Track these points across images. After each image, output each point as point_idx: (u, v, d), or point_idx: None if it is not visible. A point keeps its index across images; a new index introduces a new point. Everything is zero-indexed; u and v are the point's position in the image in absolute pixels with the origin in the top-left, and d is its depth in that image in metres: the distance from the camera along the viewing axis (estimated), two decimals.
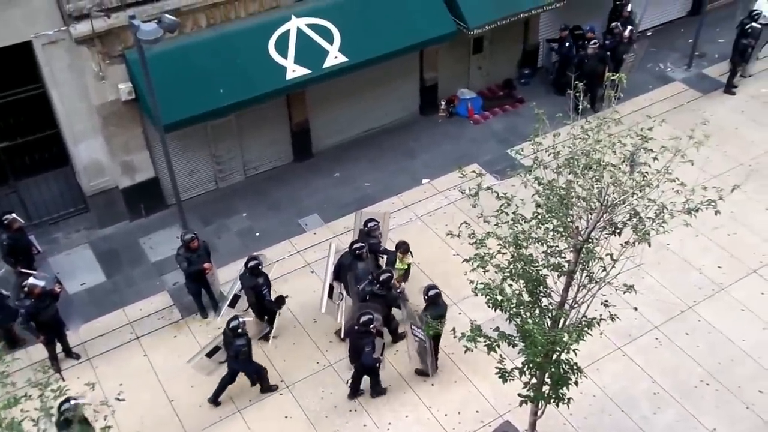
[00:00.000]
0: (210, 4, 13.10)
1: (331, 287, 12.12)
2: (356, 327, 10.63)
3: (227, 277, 13.41)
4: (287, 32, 13.82)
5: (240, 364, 11.03)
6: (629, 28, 17.15)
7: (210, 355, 11.16)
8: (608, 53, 17.05)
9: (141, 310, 13.03)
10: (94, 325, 12.69)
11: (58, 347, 11.91)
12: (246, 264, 11.69)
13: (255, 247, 14.18)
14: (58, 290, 11.55)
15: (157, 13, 11.92)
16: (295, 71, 13.76)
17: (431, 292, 10.95)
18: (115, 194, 14.30)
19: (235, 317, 10.87)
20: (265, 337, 12.23)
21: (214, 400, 11.41)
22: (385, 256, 12.54)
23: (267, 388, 11.60)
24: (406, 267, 12.33)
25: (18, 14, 11.83)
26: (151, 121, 13.07)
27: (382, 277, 11.26)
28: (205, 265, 12.17)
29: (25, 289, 11.17)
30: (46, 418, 6.99)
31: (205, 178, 15.40)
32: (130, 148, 13.90)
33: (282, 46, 13.74)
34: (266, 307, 11.92)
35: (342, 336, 11.96)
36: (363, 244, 11.81)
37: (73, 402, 8.87)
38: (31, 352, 12.02)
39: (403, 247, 12.19)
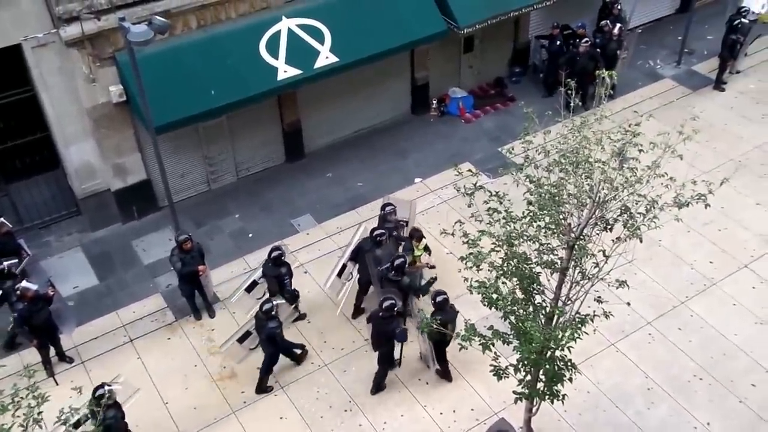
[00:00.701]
0: (200, 5, 13.08)
1: (344, 267, 12.43)
2: (380, 313, 10.78)
3: (221, 278, 13.43)
4: (278, 33, 13.82)
5: (273, 346, 11.23)
6: (618, 25, 17.21)
7: (241, 340, 11.42)
8: (599, 51, 17.10)
9: (134, 313, 13.01)
10: (87, 328, 12.66)
11: (51, 351, 11.87)
12: (269, 254, 11.93)
13: (248, 248, 14.19)
14: (51, 293, 11.51)
15: (147, 15, 11.90)
16: (286, 72, 13.76)
17: (438, 298, 10.75)
18: (107, 197, 14.27)
19: (269, 300, 11.09)
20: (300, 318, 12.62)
21: (264, 389, 11.61)
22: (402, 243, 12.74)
23: (297, 358, 11.94)
24: (421, 253, 12.57)
25: (7, 17, 11.79)
26: (142, 123, 13.04)
27: (396, 262, 11.46)
28: (200, 267, 12.16)
29: (18, 292, 11.13)
30: (34, 424, 6.97)
31: (197, 179, 15.38)
32: (121, 150, 13.87)
33: (273, 47, 13.73)
34: (288, 295, 12.04)
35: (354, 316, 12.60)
36: (383, 231, 12.06)
37: (107, 387, 9.45)
38: (24, 356, 11.98)
39: (417, 234, 12.45)
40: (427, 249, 12.73)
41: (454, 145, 16.72)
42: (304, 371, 11.93)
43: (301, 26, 14.00)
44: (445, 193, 14.91)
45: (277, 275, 11.90)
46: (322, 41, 14.10)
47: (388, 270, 11.51)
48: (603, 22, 17.62)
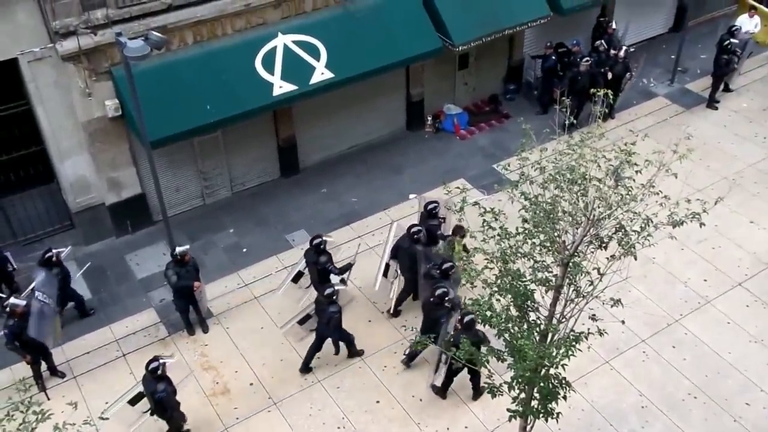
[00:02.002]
0: (196, 21, 13.14)
1: (387, 266, 12.72)
2: (431, 299, 11.18)
3: (215, 293, 13.38)
4: (274, 49, 13.88)
5: (330, 330, 11.55)
6: (624, 47, 17.27)
7: (301, 322, 11.84)
8: (603, 71, 17.17)
9: (127, 327, 12.93)
10: (80, 342, 12.58)
11: (43, 366, 11.78)
12: (311, 242, 12.28)
13: (242, 263, 14.15)
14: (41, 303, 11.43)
15: (144, 30, 11.93)
16: (281, 87, 13.81)
17: (467, 318, 10.43)
18: (102, 211, 14.23)
19: (331, 285, 11.47)
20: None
21: (305, 369, 11.99)
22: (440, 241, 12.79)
23: (355, 353, 12.20)
24: (460, 250, 12.43)
25: (3, 31, 11.81)
26: (137, 138, 13.05)
27: (444, 266, 11.64)
28: (195, 283, 12.12)
29: (7, 309, 11.05)
30: None
31: (192, 194, 15.36)
32: (116, 164, 13.86)
33: (269, 63, 13.79)
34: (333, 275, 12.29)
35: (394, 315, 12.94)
36: (420, 228, 12.29)
37: (161, 360, 10.09)
38: (15, 370, 11.87)
39: (461, 232, 12.24)
40: (465, 249, 12.48)
41: (448, 162, 16.76)
42: (298, 386, 11.86)
43: (297, 42, 14.07)
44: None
45: (316, 262, 12.21)
46: (317, 57, 14.15)
47: (434, 268, 11.79)
48: (598, 42, 17.73)
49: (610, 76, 17.04)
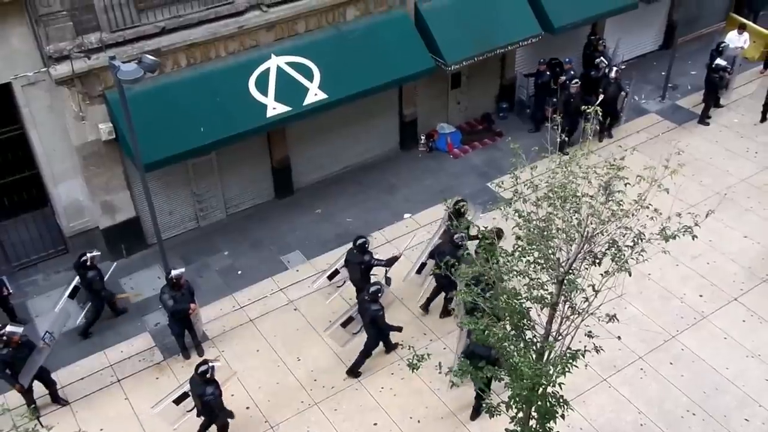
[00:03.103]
0: (190, 44, 13.20)
1: (423, 265, 12.96)
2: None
3: (210, 316, 13.32)
4: (267, 70, 13.94)
5: (376, 329, 11.78)
6: (615, 68, 17.38)
7: (344, 325, 11.98)
8: (601, 92, 17.28)
9: (122, 352, 12.84)
10: (74, 368, 12.48)
11: (38, 389, 11.64)
12: (354, 242, 12.59)
13: (237, 285, 14.10)
14: (48, 342, 11.35)
15: (137, 54, 12.00)
16: (275, 109, 13.85)
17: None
18: (96, 235, 14.19)
19: (377, 282, 11.71)
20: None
21: (356, 373, 12.21)
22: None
23: (390, 347, 12.52)
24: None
25: None
26: (131, 161, 13.05)
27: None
28: (191, 306, 12.07)
29: (4, 338, 10.92)
30: None
31: (186, 216, 15.34)
32: (110, 188, 13.85)
33: (262, 84, 13.84)
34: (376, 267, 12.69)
35: (425, 310, 13.26)
36: (463, 234, 12.24)
37: (210, 364, 10.35)
38: (8, 397, 11.74)
39: (501, 235, 11.85)
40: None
41: (442, 181, 16.79)
42: (294, 410, 11.77)
43: (290, 64, 14.14)
44: (434, 228, 14.89)
45: (361, 262, 12.47)
46: (311, 78, 14.23)
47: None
48: (598, 60, 17.88)
49: (602, 97, 17.15)
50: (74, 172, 13.38)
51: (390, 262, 12.68)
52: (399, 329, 12.28)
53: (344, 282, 13.02)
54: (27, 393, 11.40)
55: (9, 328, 11.01)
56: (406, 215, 15.76)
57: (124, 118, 11.40)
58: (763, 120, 18.31)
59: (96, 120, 12.95)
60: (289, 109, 13.95)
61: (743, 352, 12.50)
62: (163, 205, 14.70)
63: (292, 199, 16.31)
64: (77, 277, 12.69)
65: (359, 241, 12.53)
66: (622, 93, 17.53)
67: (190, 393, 10.63)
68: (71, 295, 12.77)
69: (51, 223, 14.30)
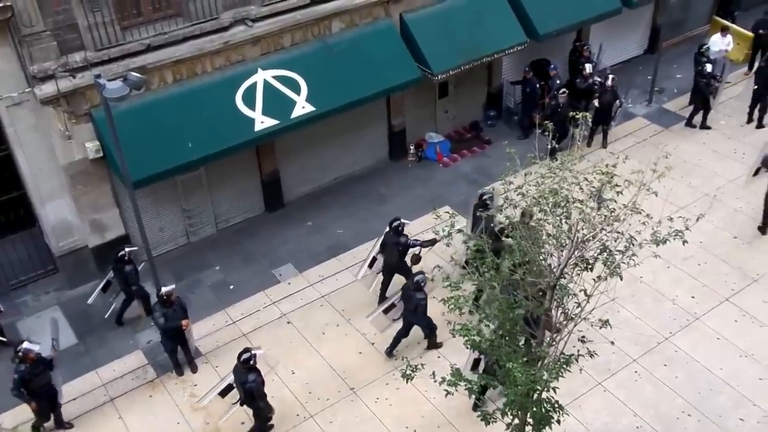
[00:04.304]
0: (175, 60, 13.19)
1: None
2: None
3: (202, 332, 13.25)
4: (254, 84, 13.95)
5: (417, 317, 12.08)
6: (611, 77, 17.41)
7: (386, 311, 12.36)
8: (593, 96, 17.40)
9: (114, 371, 12.74)
10: (66, 388, 12.31)
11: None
12: (391, 224, 12.99)
13: (229, 300, 14.05)
14: (53, 356, 11.22)
15: (123, 71, 11.96)
16: (263, 122, 13.85)
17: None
18: (85, 254, 14.10)
19: (421, 272, 11.91)
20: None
21: (390, 352, 12.56)
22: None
23: (433, 344, 12.64)
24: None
25: None
26: (119, 179, 12.99)
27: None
28: (183, 322, 12.00)
29: (20, 354, 10.82)
30: None
31: (177, 232, 15.28)
32: (99, 206, 13.78)
33: (249, 99, 13.84)
34: (404, 266, 13.12)
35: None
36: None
37: (253, 351, 10.61)
38: (17, 414, 11.61)
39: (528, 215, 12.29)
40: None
41: (432, 190, 16.80)
42: (290, 424, 11.69)
43: (277, 77, 14.15)
44: (426, 237, 14.87)
45: (397, 243, 12.86)
46: (298, 91, 14.24)
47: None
48: (582, 66, 17.98)
49: (597, 104, 17.23)
50: (62, 191, 13.31)
51: (426, 244, 12.93)
52: (435, 327, 12.43)
53: (381, 268, 13.45)
54: (39, 415, 11.26)
55: (26, 345, 10.87)
56: None
57: (111, 136, 11.36)
58: (749, 121, 18.43)
59: (83, 139, 12.90)
60: (277, 122, 13.95)
61: (736, 352, 12.53)
62: (153, 222, 14.64)
63: (283, 212, 16.28)
64: (111, 272, 13.06)
65: (395, 224, 12.94)
66: (617, 101, 17.58)
67: (234, 384, 10.85)
68: (104, 289, 13.23)
69: (39, 243, 14.21)
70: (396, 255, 13.00)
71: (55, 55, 12.05)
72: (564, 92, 17.01)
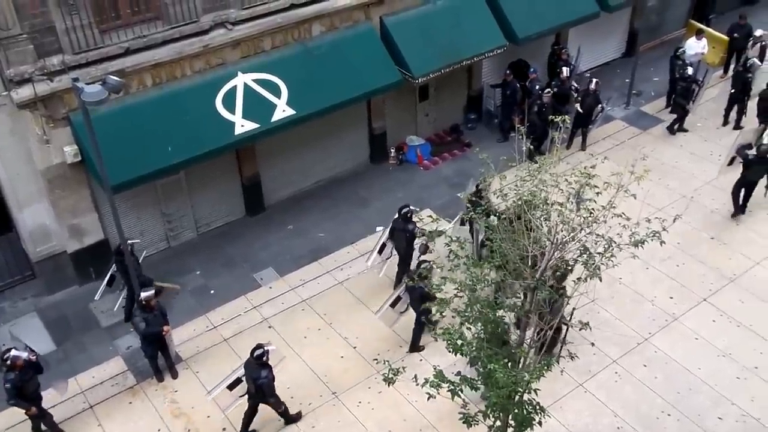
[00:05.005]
0: (155, 63, 13.10)
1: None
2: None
3: (183, 337, 13.16)
4: (234, 88, 13.89)
5: (417, 307, 12.27)
6: (595, 80, 17.52)
7: (393, 305, 12.47)
8: (575, 98, 17.57)
9: (94, 378, 12.61)
10: (44, 396, 12.18)
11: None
12: (400, 210, 13.36)
13: (210, 305, 13.97)
14: (34, 358, 11.10)
15: (101, 75, 11.85)
16: (243, 126, 13.80)
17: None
18: (63, 259, 13.95)
19: (426, 260, 12.06)
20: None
21: (414, 348, 12.76)
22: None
23: (415, 345, 12.82)
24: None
25: None
26: (98, 183, 12.88)
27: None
28: (164, 327, 11.90)
29: (8, 362, 10.72)
30: None
31: (157, 237, 15.16)
32: (77, 211, 13.64)
33: (229, 102, 13.78)
34: (411, 252, 13.33)
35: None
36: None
37: (266, 347, 10.71)
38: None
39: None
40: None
41: (413, 193, 16.83)
42: (273, 427, 11.64)
43: (257, 81, 14.10)
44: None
45: (404, 229, 13.21)
46: (278, 95, 14.20)
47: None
48: (559, 69, 18.12)
49: (580, 109, 17.36)
50: (39, 196, 13.16)
51: (423, 249, 12.90)
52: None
53: (391, 254, 13.76)
54: (37, 418, 11.22)
55: (13, 352, 10.81)
56: (379, 228, 15.74)
57: (89, 140, 11.24)
58: (725, 124, 18.68)
59: (61, 143, 12.77)
60: (258, 125, 13.91)
61: (715, 352, 12.68)
62: (133, 227, 14.52)
63: (264, 215, 16.22)
64: (114, 265, 13.18)
65: (404, 210, 13.28)
66: (599, 106, 17.71)
67: (243, 378, 10.95)
68: (108, 283, 13.38)
69: (17, 248, 14.04)
70: (404, 241, 13.32)
71: (32, 59, 11.92)
72: (549, 92, 17.13)
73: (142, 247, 14.41)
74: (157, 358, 12.31)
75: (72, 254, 13.97)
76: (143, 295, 11.81)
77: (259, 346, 10.76)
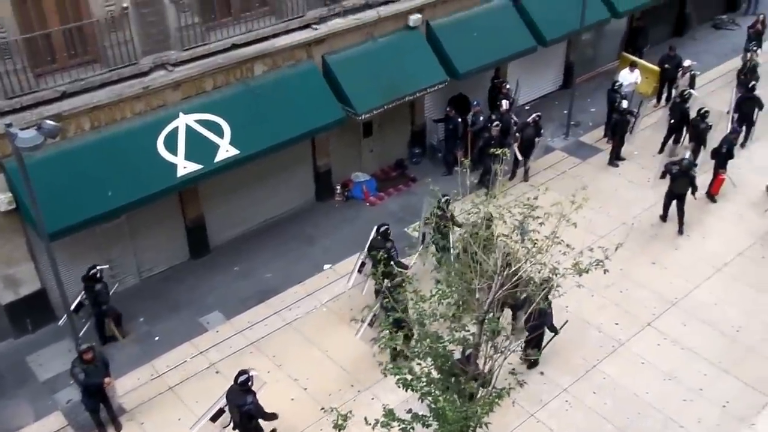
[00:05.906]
0: (93, 107, 12.85)
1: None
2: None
3: (126, 387, 12.71)
4: (176, 129, 13.72)
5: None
6: (535, 114, 17.95)
7: (371, 324, 12.20)
8: (514, 132, 17.89)
9: None
10: None
11: None
12: (378, 229, 13.75)
13: (154, 352, 13.56)
14: None
15: (37, 120, 11.57)
16: (186, 167, 13.61)
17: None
18: None
19: (400, 272, 11.74)
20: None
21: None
22: None
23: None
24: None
25: None
26: (34, 231, 12.46)
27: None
28: (105, 379, 11.48)
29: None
30: None
31: None
32: (12, 260, 13.15)
33: (171, 144, 13.60)
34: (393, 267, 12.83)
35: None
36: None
37: (250, 373, 10.68)
38: None
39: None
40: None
41: (361, 229, 16.74)
42: None
43: (200, 121, 13.98)
44: (355, 278, 14.84)
45: (383, 248, 13.23)
46: (221, 135, 14.09)
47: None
48: (499, 102, 18.49)
49: (519, 139, 17.68)
50: None
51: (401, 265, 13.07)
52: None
53: (371, 272, 13.48)
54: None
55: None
56: (326, 266, 15.65)
57: (24, 187, 10.92)
58: (661, 151, 19.29)
59: None
60: (201, 167, 13.74)
61: (661, 376, 12.89)
62: (72, 275, 14.02)
63: (209, 257, 15.94)
64: (83, 292, 13.14)
65: (382, 228, 13.66)
66: (538, 138, 18.08)
67: (226, 408, 10.77)
68: (75, 310, 13.05)
69: None
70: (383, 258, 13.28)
71: None
72: (498, 125, 17.41)
73: (116, 279, 14.41)
74: (99, 411, 11.83)
75: (6, 305, 13.43)
76: (82, 345, 11.39)
77: (242, 372, 10.70)
